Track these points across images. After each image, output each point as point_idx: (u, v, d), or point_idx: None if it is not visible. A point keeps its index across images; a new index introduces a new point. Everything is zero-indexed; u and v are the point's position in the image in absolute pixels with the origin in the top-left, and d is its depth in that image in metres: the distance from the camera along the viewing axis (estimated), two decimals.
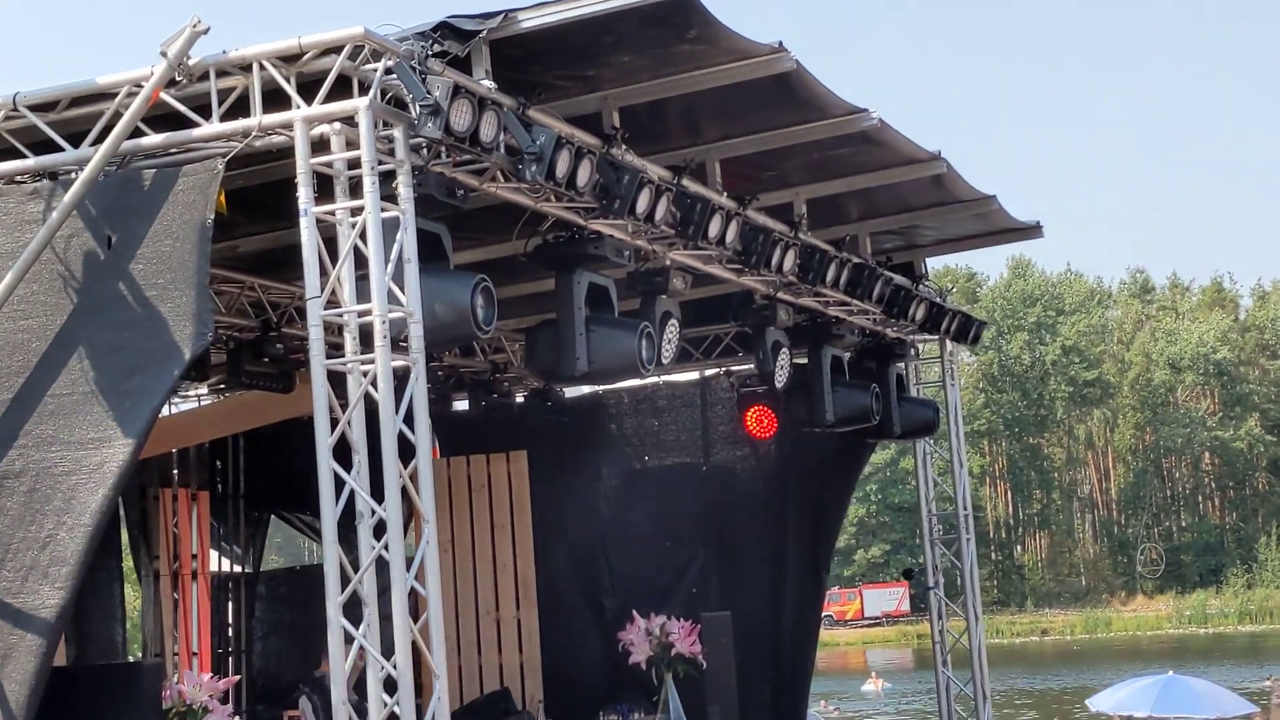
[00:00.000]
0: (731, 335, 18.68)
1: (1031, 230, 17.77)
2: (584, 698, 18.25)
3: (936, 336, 18.87)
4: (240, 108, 9.79)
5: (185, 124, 9.85)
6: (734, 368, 19.36)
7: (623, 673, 17.85)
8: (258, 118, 9.66)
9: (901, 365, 18.64)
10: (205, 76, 9.74)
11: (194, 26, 9.53)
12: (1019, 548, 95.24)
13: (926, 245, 18.12)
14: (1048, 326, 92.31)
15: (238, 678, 18.27)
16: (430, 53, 9.80)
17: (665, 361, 13.27)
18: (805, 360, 16.74)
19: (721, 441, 19.57)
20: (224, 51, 9.76)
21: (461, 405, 19.71)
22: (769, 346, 15.39)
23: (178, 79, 9.72)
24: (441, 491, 19.06)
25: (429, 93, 9.49)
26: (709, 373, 19.64)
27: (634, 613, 17.74)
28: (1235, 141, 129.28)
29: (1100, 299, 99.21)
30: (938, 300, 17.96)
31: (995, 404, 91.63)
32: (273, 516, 21.09)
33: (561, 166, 10.68)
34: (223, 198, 9.74)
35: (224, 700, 12.47)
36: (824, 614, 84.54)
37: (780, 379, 15.57)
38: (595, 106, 11.97)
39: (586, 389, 19.97)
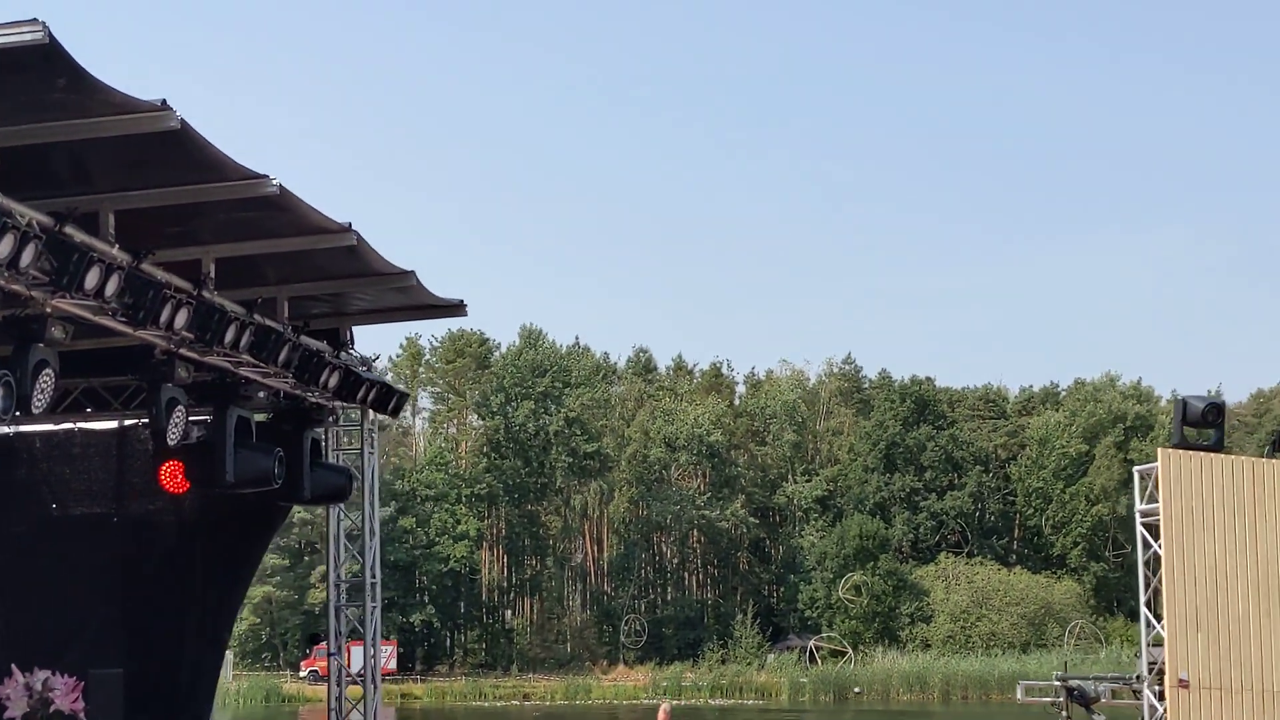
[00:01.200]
0: None
1: (455, 308, 18.26)
2: None
3: (356, 404, 19.02)
4: None
5: None
6: None
7: None
8: None
9: (320, 430, 18.70)
10: None
11: None
12: (510, 612, 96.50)
13: (353, 314, 18.32)
14: (554, 397, 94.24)
15: None
16: None
17: (36, 411, 12.98)
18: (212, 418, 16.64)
19: (137, 494, 19.10)
20: None
21: None
22: (164, 402, 15.20)
23: None
24: None
25: None
26: (129, 422, 19.20)
27: (13, 666, 17.06)
28: (738, 229, 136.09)
29: (606, 374, 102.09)
30: (358, 369, 18.11)
31: (498, 469, 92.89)
32: None
33: None
34: None
35: None
36: (310, 669, 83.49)
37: (173, 436, 15.39)
38: None
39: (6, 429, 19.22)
